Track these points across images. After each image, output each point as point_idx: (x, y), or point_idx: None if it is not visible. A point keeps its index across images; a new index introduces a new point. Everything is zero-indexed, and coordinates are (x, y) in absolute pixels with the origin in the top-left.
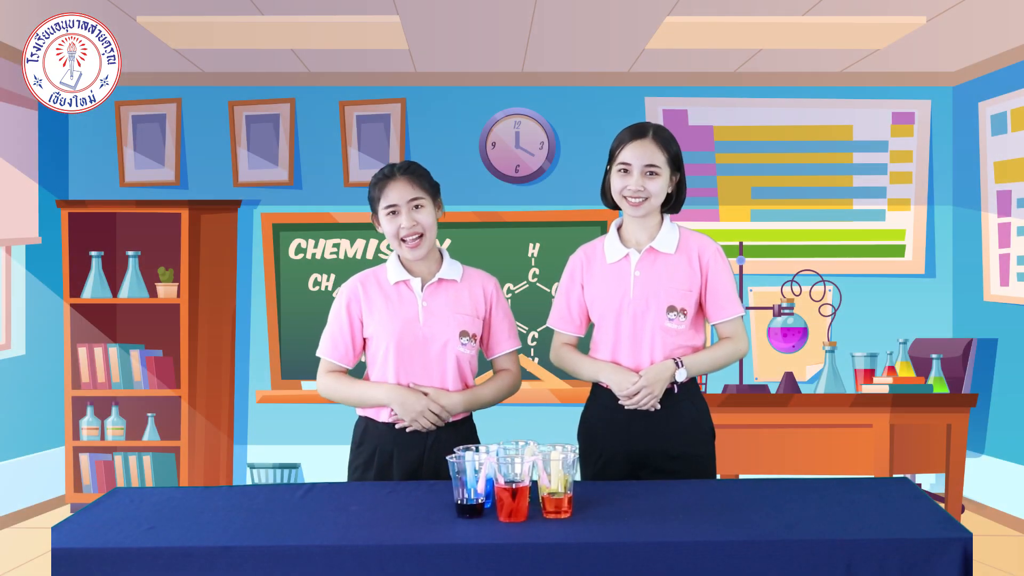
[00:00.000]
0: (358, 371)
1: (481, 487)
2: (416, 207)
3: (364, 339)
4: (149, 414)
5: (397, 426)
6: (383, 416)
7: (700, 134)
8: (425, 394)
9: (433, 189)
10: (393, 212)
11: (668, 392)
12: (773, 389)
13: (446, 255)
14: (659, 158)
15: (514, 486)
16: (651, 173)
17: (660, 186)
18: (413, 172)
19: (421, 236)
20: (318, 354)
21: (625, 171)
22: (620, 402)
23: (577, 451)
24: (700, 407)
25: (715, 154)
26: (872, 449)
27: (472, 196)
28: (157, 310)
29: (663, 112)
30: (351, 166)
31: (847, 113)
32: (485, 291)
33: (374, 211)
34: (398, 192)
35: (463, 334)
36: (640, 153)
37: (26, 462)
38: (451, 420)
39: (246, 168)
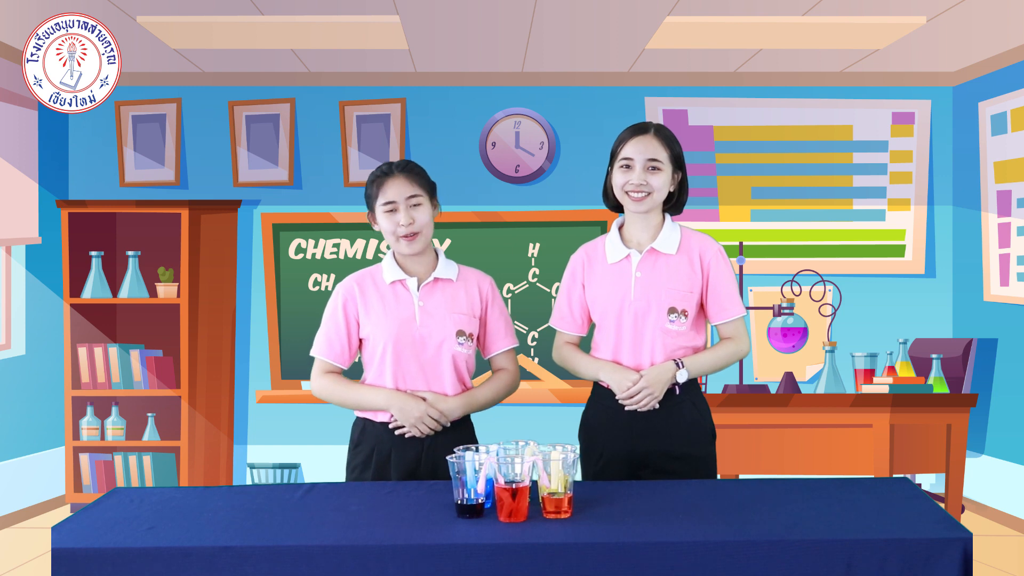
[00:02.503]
0: (354, 372)
1: (481, 487)
2: (414, 205)
3: (360, 339)
4: (149, 414)
5: (397, 432)
6: (381, 416)
7: (700, 134)
8: (423, 399)
9: (430, 188)
10: (391, 209)
11: (669, 392)
12: (773, 389)
13: (441, 255)
14: (661, 154)
15: (514, 486)
16: (653, 168)
17: (662, 181)
18: (411, 170)
19: (417, 234)
20: (313, 353)
21: (627, 167)
22: (619, 398)
23: (577, 451)
24: (701, 407)
25: (715, 154)
26: (872, 449)
27: (472, 196)
28: (157, 310)
29: (663, 112)
30: (351, 166)
31: (847, 113)
32: (481, 290)
33: (371, 208)
34: (396, 189)
35: (460, 334)
36: (642, 148)
37: (26, 462)
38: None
39: (246, 168)
